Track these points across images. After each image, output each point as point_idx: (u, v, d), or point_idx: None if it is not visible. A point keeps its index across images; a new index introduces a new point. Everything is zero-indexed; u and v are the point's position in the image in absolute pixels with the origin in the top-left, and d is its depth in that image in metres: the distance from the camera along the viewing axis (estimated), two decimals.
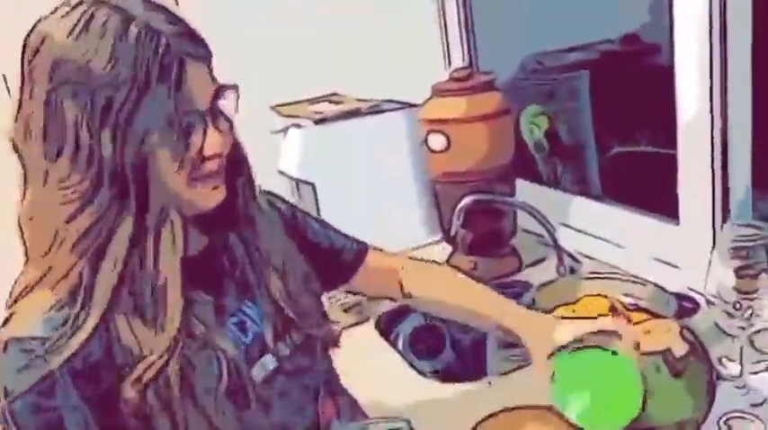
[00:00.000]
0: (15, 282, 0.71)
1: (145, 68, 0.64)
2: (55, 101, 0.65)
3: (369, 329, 1.36)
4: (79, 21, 0.65)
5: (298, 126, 1.62)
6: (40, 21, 0.68)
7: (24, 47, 0.68)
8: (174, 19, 0.69)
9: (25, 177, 0.70)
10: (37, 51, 0.66)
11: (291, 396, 0.82)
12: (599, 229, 1.44)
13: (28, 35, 0.68)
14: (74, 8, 0.67)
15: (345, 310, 1.37)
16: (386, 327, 1.35)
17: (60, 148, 0.66)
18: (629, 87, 1.58)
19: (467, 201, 1.33)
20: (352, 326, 1.36)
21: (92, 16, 0.66)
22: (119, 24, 0.65)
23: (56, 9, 0.68)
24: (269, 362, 0.80)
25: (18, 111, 0.68)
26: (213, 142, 0.70)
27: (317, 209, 1.61)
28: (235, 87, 0.73)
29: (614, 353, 0.85)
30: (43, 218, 0.68)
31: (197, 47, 0.70)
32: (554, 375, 0.87)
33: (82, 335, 0.66)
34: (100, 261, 0.67)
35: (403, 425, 0.77)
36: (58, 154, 0.66)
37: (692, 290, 1.15)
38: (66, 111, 0.65)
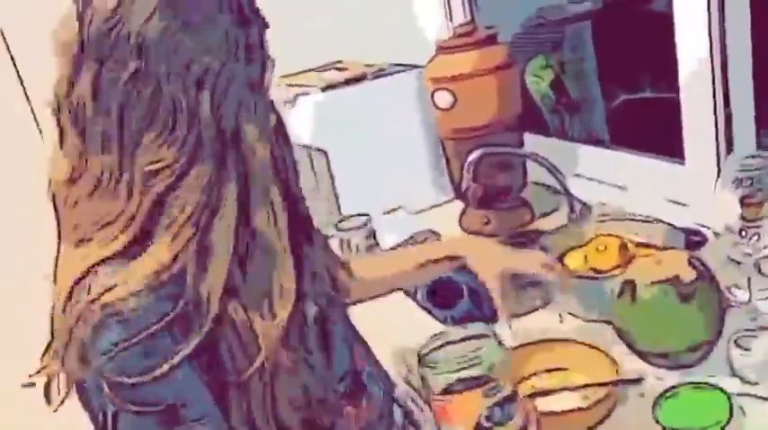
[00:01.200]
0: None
1: (235, 42, 0.68)
2: (144, 69, 0.65)
3: None
4: None
5: (306, 94, 1.65)
6: None
7: (85, 17, 0.66)
8: None
9: (85, 148, 0.68)
10: (115, 23, 0.65)
11: (336, 342, 0.84)
12: (608, 176, 1.47)
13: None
14: None
15: None
16: None
17: (153, 117, 0.66)
18: (631, 35, 1.60)
19: (475, 154, 1.35)
20: None
21: None
22: None
23: None
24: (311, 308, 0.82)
25: (71, 87, 0.67)
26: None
27: (331, 175, 1.65)
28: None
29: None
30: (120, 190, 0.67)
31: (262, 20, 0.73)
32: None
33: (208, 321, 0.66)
34: (208, 234, 0.67)
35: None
36: (150, 123, 0.66)
37: (699, 225, 1.18)
38: (162, 81, 0.65)
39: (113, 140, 0.66)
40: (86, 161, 0.68)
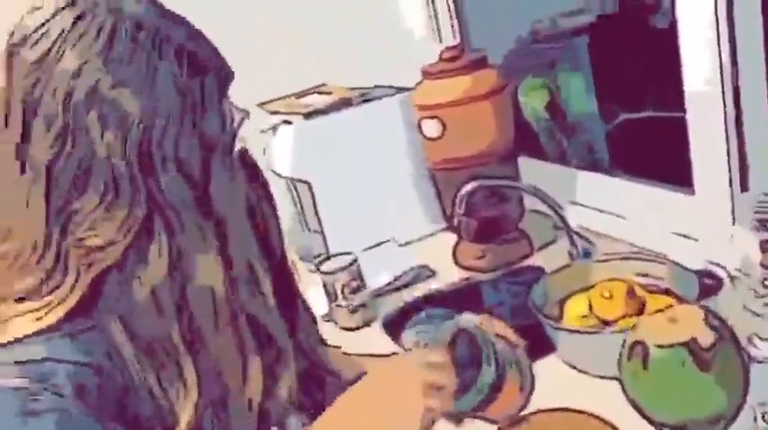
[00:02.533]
0: None
1: (184, 95, 0.59)
2: (73, 127, 0.56)
3: (376, 330, 1.30)
4: (98, 34, 0.57)
5: (287, 122, 1.56)
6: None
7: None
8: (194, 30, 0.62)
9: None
10: (41, 77, 0.57)
11: None
12: (610, 204, 1.37)
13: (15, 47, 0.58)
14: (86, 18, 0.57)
15: (352, 312, 1.31)
16: (393, 328, 1.29)
17: (87, 182, 0.57)
18: (631, 50, 1.50)
19: (467, 188, 1.26)
20: (359, 328, 1.31)
21: (101, 26, 0.57)
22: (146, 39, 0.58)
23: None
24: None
25: None
26: None
27: (315, 207, 1.55)
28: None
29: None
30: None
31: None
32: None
33: None
34: None
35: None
36: (84, 189, 0.57)
37: (713, 263, 1.08)
38: (95, 142, 0.56)
39: (39, 204, 0.57)
40: (8, 226, 0.60)
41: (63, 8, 0.58)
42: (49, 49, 0.56)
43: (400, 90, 1.56)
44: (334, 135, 1.53)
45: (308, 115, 1.53)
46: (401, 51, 1.66)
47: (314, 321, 0.82)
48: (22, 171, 0.57)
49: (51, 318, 0.59)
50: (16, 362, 0.56)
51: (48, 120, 0.56)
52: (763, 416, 0.77)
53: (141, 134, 0.57)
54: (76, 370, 0.56)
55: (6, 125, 0.58)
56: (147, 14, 0.59)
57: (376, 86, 1.63)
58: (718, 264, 1.08)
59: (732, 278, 1.01)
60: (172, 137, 0.58)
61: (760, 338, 0.95)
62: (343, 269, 1.29)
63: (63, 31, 0.56)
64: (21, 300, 0.59)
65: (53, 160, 0.56)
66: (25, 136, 0.57)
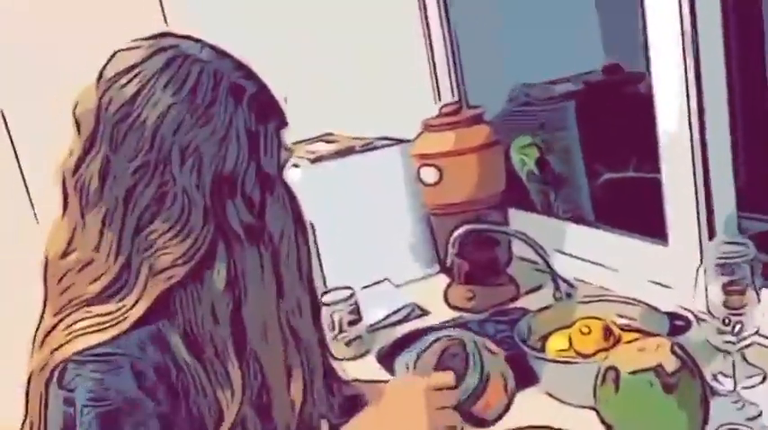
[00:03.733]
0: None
1: (252, 139, 0.68)
2: (155, 160, 0.65)
3: (371, 362, 1.38)
4: (175, 77, 0.66)
5: (295, 166, 1.66)
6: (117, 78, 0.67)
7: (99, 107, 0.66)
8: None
9: (85, 225, 0.68)
10: (131, 112, 0.65)
11: None
12: (592, 254, 1.47)
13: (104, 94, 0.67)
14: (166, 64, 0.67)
15: (347, 344, 1.39)
16: (387, 360, 1.37)
17: (162, 208, 0.66)
18: (614, 115, 1.63)
19: (460, 231, 1.36)
20: (354, 358, 1.38)
21: (188, 72, 0.66)
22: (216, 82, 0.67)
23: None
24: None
25: (81, 164, 0.67)
26: None
27: (317, 248, 1.64)
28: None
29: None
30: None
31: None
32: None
33: None
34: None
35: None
36: (158, 212, 0.66)
37: (683, 308, 1.18)
38: (175, 174, 0.65)
39: (116, 222, 0.66)
40: (84, 235, 0.68)
41: (156, 51, 0.67)
42: (143, 87, 0.65)
43: (400, 141, 1.68)
44: (338, 180, 1.63)
45: (314, 160, 1.64)
46: (403, 106, 1.79)
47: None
48: (101, 191, 0.66)
49: (118, 328, 0.66)
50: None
51: (133, 151, 0.65)
52: None
53: (215, 170, 0.66)
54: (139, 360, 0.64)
55: (91, 149, 0.67)
56: (225, 66, 0.69)
57: (378, 138, 1.75)
58: (687, 308, 1.18)
59: (698, 319, 1.11)
60: (240, 173, 0.67)
61: (724, 375, 1.04)
62: (342, 301, 1.38)
63: (156, 72, 0.66)
64: (92, 303, 0.66)
65: (134, 186, 0.65)
66: (108, 162, 0.66)
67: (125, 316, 0.65)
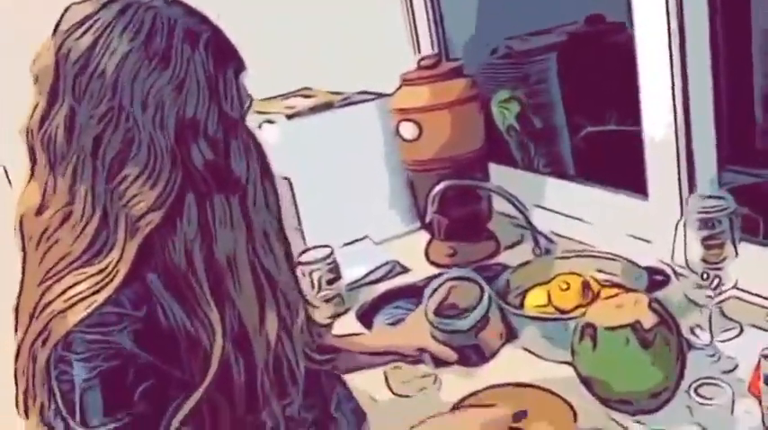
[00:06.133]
0: None
1: (212, 84, 0.68)
2: (119, 107, 0.65)
3: (350, 319, 1.37)
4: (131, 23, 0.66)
5: (270, 122, 1.63)
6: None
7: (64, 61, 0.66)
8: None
9: (56, 177, 0.68)
10: (90, 61, 0.65)
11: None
12: (572, 209, 1.46)
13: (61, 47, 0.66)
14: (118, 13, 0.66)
15: (327, 301, 1.38)
16: (367, 317, 1.37)
17: (130, 154, 0.65)
18: (596, 68, 1.61)
19: (440, 186, 1.34)
20: (334, 317, 1.38)
21: (142, 19, 0.66)
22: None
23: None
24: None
25: (46, 117, 0.67)
26: None
27: (295, 204, 1.62)
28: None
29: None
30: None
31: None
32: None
33: None
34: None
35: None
36: (128, 159, 0.65)
37: (662, 262, 1.18)
38: (138, 120, 0.65)
39: (87, 172, 0.66)
40: (56, 190, 0.68)
41: (108, 1, 0.67)
42: (99, 37, 0.65)
43: (379, 96, 1.64)
44: (316, 136, 1.60)
45: (291, 116, 1.61)
46: (381, 59, 1.74)
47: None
48: (69, 143, 0.66)
49: (112, 287, 0.65)
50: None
51: (96, 100, 0.65)
52: (696, 389, 0.86)
53: (177, 115, 0.66)
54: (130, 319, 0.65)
55: (54, 102, 0.66)
56: (178, 12, 0.68)
57: (357, 93, 1.71)
58: (666, 263, 1.18)
59: (677, 274, 1.11)
60: (202, 117, 0.67)
61: (701, 328, 1.05)
62: (321, 260, 1.36)
63: (110, 21, 0.65)
64: (80, 264, 0.66)
65: (100, 135, 0.65)
66: (73, 113, 0.65)
67: (115, 271, 0.65)
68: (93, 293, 0.64)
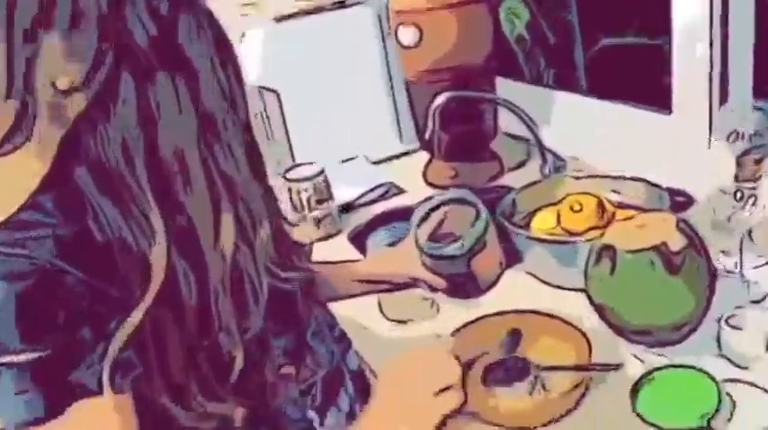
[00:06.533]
0: None
1: None
2: None
3: (342, 241, 1.28)
4: None
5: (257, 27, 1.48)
6: None
7: None
8: None
9: None
10: None
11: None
12: (585, 126, 1.34)
13: None
14: None
15: (316, 223, 1.28)
16: (359, 239, 1.27)
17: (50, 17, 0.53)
18: None
19: (441, 99, 1.21)
20: (324, 239, 1.28)
21: None
22: None
23: None
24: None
25: None
26: None
27: (283, 118, 1.50)
28: None
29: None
30: None
31: None
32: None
33: None
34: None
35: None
36: (47, 23, 0.53)
37: (685, 183, 1.07)
38: None
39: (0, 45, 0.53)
40: None
41: None
42: None
43: None
44: (306, 42, 1.46)
45: (278, 19, 1.46)
46: None
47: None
48: None
49: (35, 177, 0.55)
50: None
51: None
52: (727, 320, 0.76)
53: None
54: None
55: None
56: None
57: None
58: (691, 185, 1.07)
59: (705, 196, 1.00)
60: None
61: (727, 255, 0.95)
62: (310, 178, 1.25)
63: None
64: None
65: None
66: None
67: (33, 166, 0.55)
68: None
